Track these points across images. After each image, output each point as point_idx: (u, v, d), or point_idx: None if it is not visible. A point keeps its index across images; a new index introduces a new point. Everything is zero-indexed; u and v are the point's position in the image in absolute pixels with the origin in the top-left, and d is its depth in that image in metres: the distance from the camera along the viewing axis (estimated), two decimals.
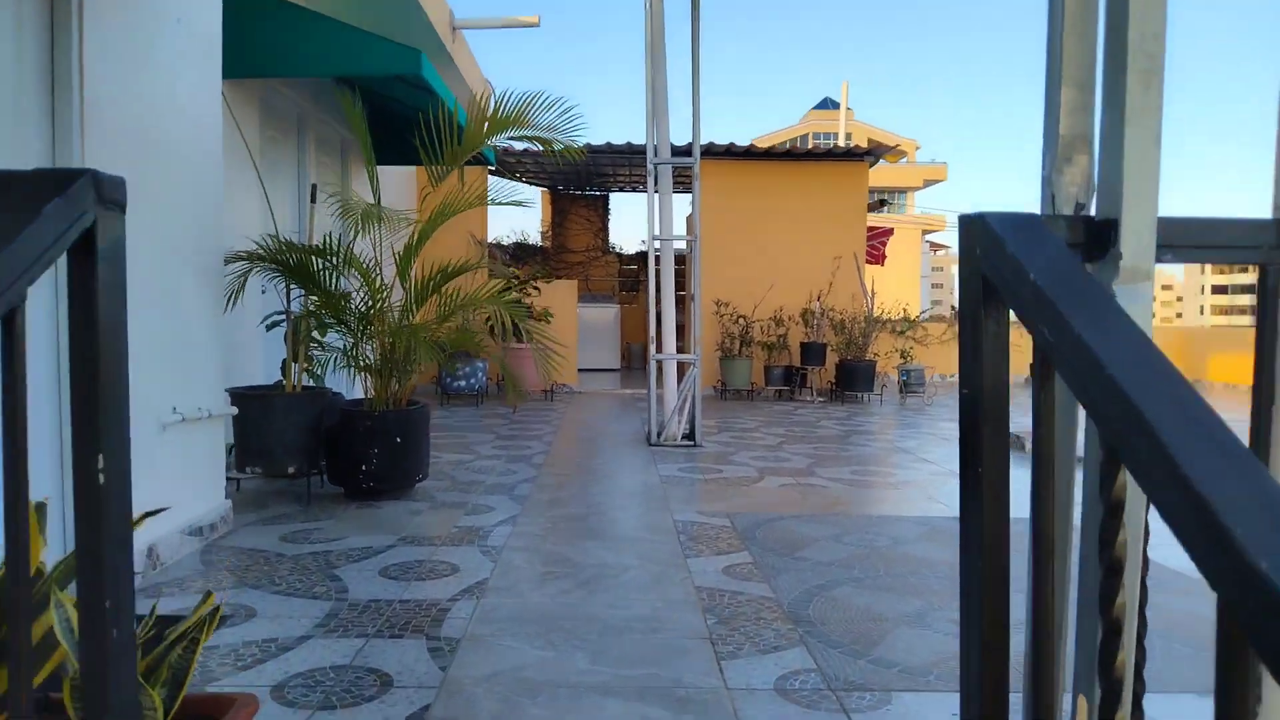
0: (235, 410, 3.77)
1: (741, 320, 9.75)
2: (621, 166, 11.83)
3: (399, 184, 8.91)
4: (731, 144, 9.86)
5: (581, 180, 12.95)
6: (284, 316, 4.30)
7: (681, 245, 7.10)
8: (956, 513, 3.74)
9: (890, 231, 12.27)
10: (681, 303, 10.32)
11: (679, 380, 6.56)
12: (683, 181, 11.66)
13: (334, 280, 4.15)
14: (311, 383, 4.48)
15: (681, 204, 14.36)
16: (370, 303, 4.21)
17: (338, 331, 4.25)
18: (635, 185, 13.64)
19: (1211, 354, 13.32)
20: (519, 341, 9.19)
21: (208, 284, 3.52)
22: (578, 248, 14.06)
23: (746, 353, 9.74)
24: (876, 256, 11.44)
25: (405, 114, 6.47)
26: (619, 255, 14.46)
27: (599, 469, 5.29)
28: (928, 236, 36.74)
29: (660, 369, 6.44)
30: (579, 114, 5.03)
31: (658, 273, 6.42)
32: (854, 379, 9.53)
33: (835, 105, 61.36)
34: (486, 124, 4.54)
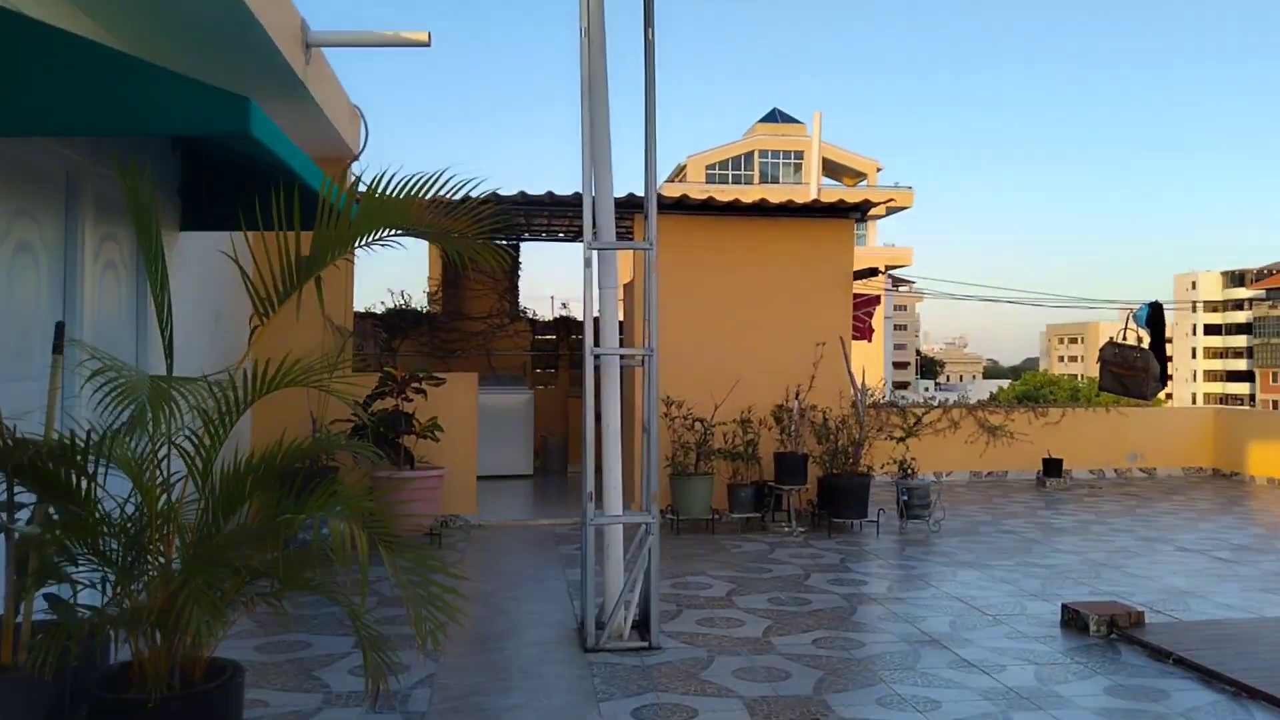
0: None
1: (699, 425, 8.87)
2: (538, 215, 10.94)
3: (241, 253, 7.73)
4: (683, 195, 9.09)
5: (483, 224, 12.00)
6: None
7: (625, 349, 6.16)
8: None
9: (878, 300, 11.71)
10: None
11: (625, 544, 5.59)
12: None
13: (88, 484, 3.04)
14: (54, 615, 3.31)
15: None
16: (144, 517, 3.10)
17: (89, 562, 3.12)
18: (555, 231, 12.77)
19: (1250, 440, 13.16)
20: (397, 467, 8.08)
21: None
22: (477, 313, 13.02)
23: (705, 467, 8.85)
24: (863, 331, 10.82)
25: (243, 160, 5.45)
26: (532, 322, 13.49)
27: None
28: (891, 271, 37.06)
29: (600, 535, 5.45)
30: (490, 188, 4.19)
31: (597, 396, 5.47)
32: (843, 500, 8.75)
33: (785, 119, 62.54)
34: (350, 222, 3.55)
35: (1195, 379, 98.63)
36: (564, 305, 13.90)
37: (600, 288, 5.61)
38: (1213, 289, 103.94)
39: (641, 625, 5.45)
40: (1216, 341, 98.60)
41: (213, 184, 6.87)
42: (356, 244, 3.57)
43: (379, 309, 12.69)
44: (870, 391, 9.19)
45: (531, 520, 9.21)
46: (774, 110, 63.39)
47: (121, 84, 3.99)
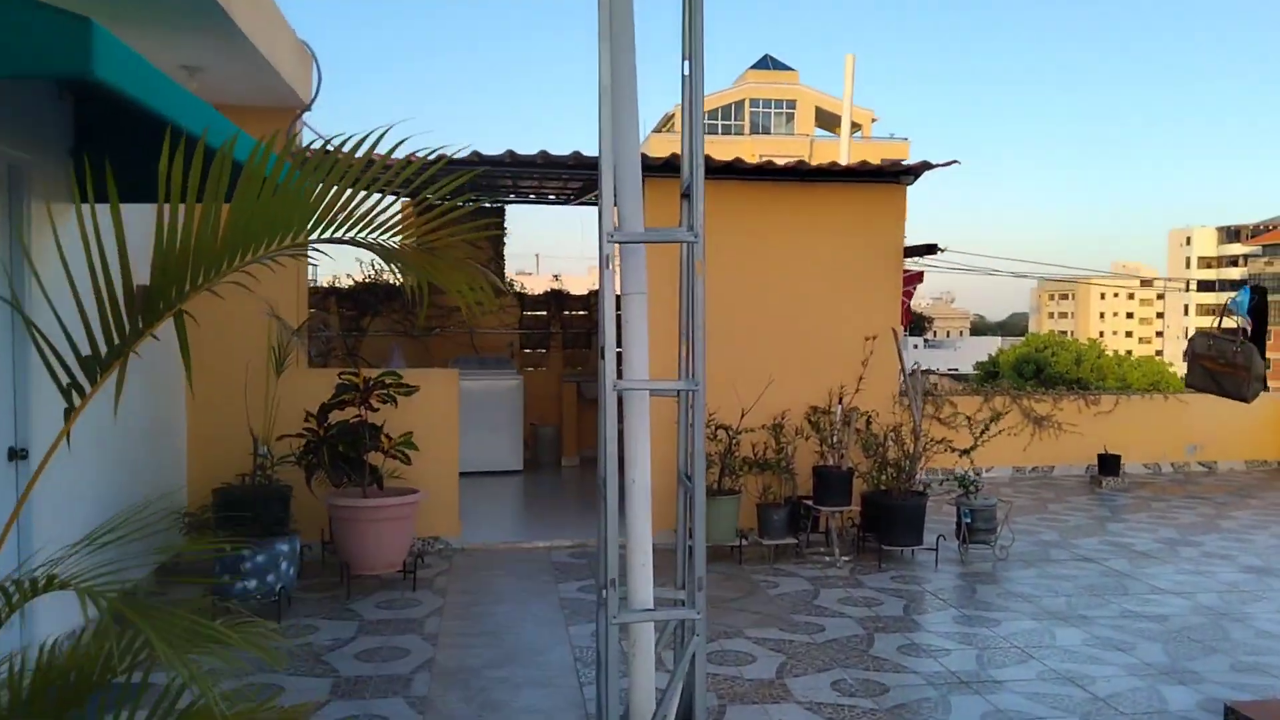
0: None
1: (722, 434, 7.45)
2: (527, 176, 9.37)
3: None
4: (705, 157, 7.53)
5: (463, 188, 10.40)
6: None
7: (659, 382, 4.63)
8: None
9: (920, 277, 10.28)
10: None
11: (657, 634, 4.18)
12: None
13: None
14: None
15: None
16: None
17: None
18: (546, 193, 11.21)
19: None
20: (362, 490, 6.63)
21: None
22: (458, 287, 11.47)
23: (731, 484, 7.44)
24: (904, 315, 9.38)
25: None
26: (520, 296, 11.98)
27: None
28: None
29: (629, 634, 4.04)
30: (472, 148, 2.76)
31: (621, 451, 4.02)
32: (894, 524, 7.38)
33: (778, 65, 60.42)
34: (224, 234, 2.06)
35: (1186, 336, 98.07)
36: (556, 277, 12.41)
37: (624, 293, 4.14)
38: (1207, 245, 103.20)
39: None
40: (1210, 298, 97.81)
41: (115, 142, 5.34)
42: (232, 266, 2.08)
43: (345, 281, 11.14)
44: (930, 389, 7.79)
45: (524, 542, 7.81)
46: (765, 57, 61.23)
47: None
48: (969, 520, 7.50)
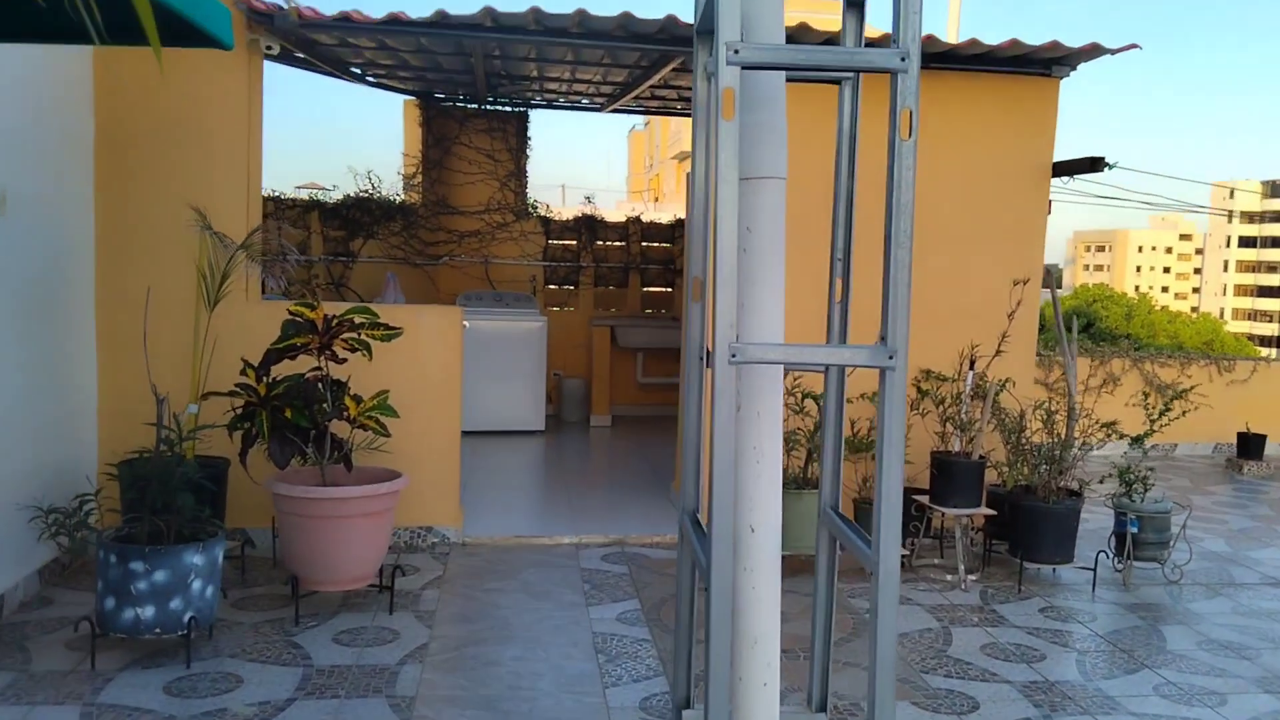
0: None
1: (811, 403, 5.53)
2: (555, 61, 7.36)
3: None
4: (803, 24, 5.49)
5: (479, 84, 8.38)
6: None
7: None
8: None
9: (1048, 206, 8.27)
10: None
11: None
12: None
13: None
14: None
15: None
16: None
17: None
18: (577, 96, 9.20)
19: None
20: (319, 475, 4.79)
21: None
22: (470, 205, 9.54)
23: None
24: None
25: None
26: (545, 221, 10.02)
27: None
28: None
29: None
30: None
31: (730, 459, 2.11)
32: (1039, 533, 5.49)
33: None
34: None
35: (1226, 293, 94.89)
36: (588, 199, 10.46)
37: (746, 176, 2.20)
38: (1250, 199, 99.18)
39: None
40: (1250, 255, 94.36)
41: None
42: None
43: (329, 198, 9.21)
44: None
45: (543, 536, 5.98)
46: None
47: None
48: (1135, 529, 5.58)
